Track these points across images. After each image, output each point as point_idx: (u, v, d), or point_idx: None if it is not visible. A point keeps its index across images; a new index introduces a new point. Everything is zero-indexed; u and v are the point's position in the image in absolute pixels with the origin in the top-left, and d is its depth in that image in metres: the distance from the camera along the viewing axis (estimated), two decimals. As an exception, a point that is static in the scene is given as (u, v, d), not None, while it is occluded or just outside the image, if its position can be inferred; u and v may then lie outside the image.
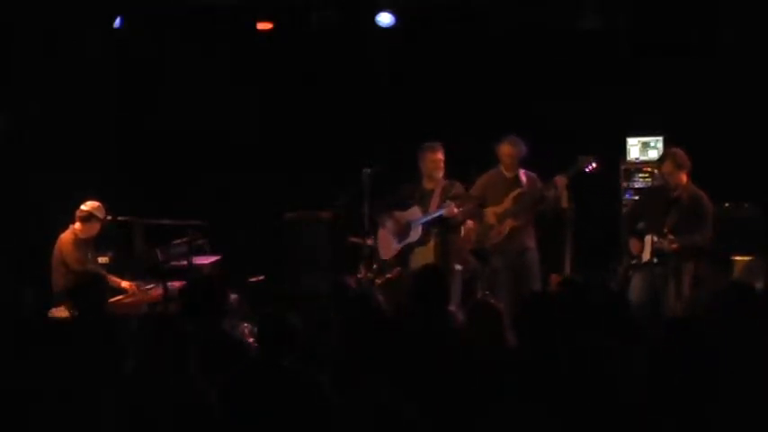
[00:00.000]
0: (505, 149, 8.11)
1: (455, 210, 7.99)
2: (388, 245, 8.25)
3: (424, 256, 8.01)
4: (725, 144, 9.09)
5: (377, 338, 4.82)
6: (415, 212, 8.14)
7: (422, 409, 4.08)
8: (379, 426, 3.92)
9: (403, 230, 8.15)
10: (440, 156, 8.10)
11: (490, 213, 8.11)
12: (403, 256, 8.15)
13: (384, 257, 8.29)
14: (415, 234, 8.10)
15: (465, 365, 4.53)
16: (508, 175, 8.16)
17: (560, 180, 7.93)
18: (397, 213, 8.19)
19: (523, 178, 8.12)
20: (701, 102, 9.24)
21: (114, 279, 7.89)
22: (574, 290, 5.25)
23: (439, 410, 4.28)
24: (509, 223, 8.04)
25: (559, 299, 5.17)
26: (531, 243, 8.15)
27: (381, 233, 8.32)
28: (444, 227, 8.13)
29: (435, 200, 8.10)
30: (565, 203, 8.20)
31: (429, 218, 8.08)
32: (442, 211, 8.00)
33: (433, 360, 4.61)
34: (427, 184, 8.20)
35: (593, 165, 7.99)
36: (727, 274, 6.75)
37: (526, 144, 8.20)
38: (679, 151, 7.79)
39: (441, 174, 8.13)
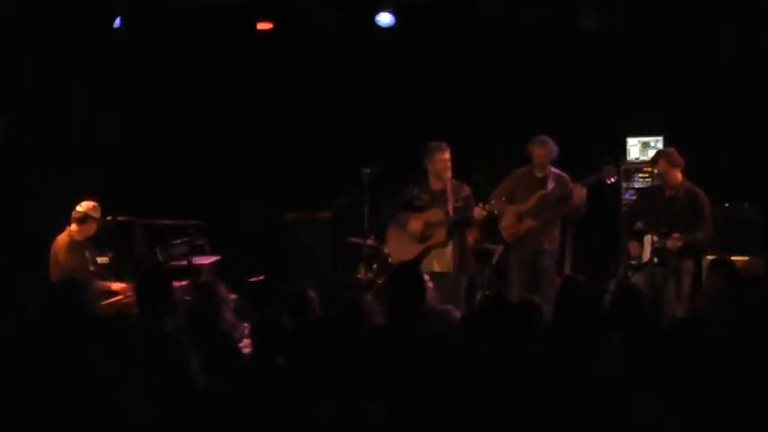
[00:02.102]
0: (535, 150, 8.09)
1: (484, 212, 7.87)
2: (403, 247, 8.02)
3: (442, 259, 7.93)
4: (725, 144, 9.09)
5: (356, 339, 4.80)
6: (436, 214, 7.97)
7: (393, 409, 4.09)
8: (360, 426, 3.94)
9: (425, 232, 7.99)
10: (448, 155, 7.98)
11: (512, 211, 8.07)
12: (420, 258, 7.91)
13: (398, 259, 7.98)
14: (440, 236, 7.93)
15: (442, 367, 4.51)
16: (538, 174, 8.13)
17: (580, 189, 7.92)
18: (417, 215, 8.01)
19: (551, 180, 8.09)
20: (701, 102, 9.24)
21: (104, 284, 7.85)
22: (575, 289, 5.24)
23: (410, 411, 4.27)
24: (527, 223, 8.01)
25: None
26: (549, 245, 8.10)
27: (394, 235, 8.12)
28: (462, 229, 8.06)
29: (450, 201, 7.96)
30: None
31: (458, 218, 7.94)
32: (475, 212, 7.86)
33: (409, 362, 4.58)
34: (435, 185, 8.04)
35: (615, 178, 8.01)
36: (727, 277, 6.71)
37: (526, 144, 8.19)
38: (672, 150, 7.84)
39: (449, 174, 7.99)
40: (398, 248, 8.07)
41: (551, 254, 8.13)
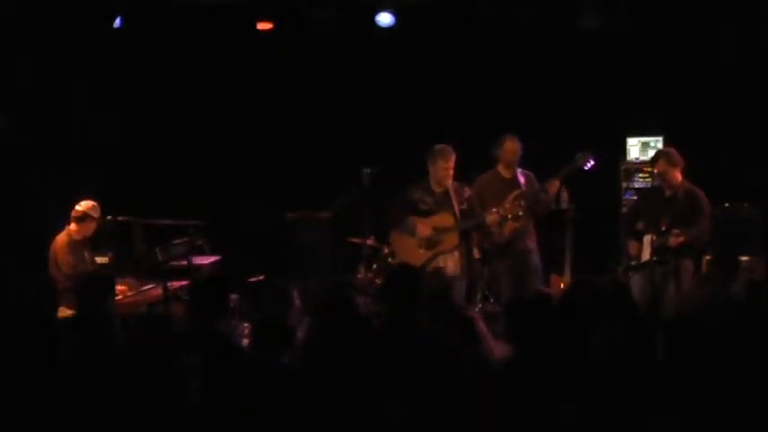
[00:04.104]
0: (511, 146, 8.02)
1: (497, 216, 7.76)
2: (411, 253, 7.77)
3: (448, 263, 7.74)
4: (725, 144, 9.10)
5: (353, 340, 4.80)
6: (445, 218, 7.81)
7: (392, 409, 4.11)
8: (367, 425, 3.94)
9: (434, 238, 7.79)
10: (451, 163, 7.77)
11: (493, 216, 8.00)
12: (427, 263, 7.75)
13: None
14: (451, 242, 7.76)
15: (434, 368, 4.52)
16: (506, 175, 8.08)
17: (553, 186, 7.89)
18: (424, 220, 7.83)
19: (521, 178, 8.05)
20: (701, 102, 9.25)
21: None
22: (586, 291, 5.25)
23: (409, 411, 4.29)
24: (510, 226, 7.96)
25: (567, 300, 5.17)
26: (532, 244, 8.07)
27: (400, 241, 7.95)
28: (469, 233, 7.93)
29: (455, 203, 7.82)
30: (565, 203, 8.16)
31: (471, 224, 7.80)
32: (487, 218, 7.76)
33: (401, 361, 4.59)
34: (437, 188, 7.88)
35: (592, 162, 7.92)
36: (731, 276, 6.68)
37: (525, 144, 8.18)
38: (671, 150, 7.84)
39: (450, 181, 7.82)
40: (406, 254, 7.84)
41: (536, 252, 8.10)
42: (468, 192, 7.92)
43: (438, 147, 7.86)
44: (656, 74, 9.51)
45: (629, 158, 9.59)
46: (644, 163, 9.42)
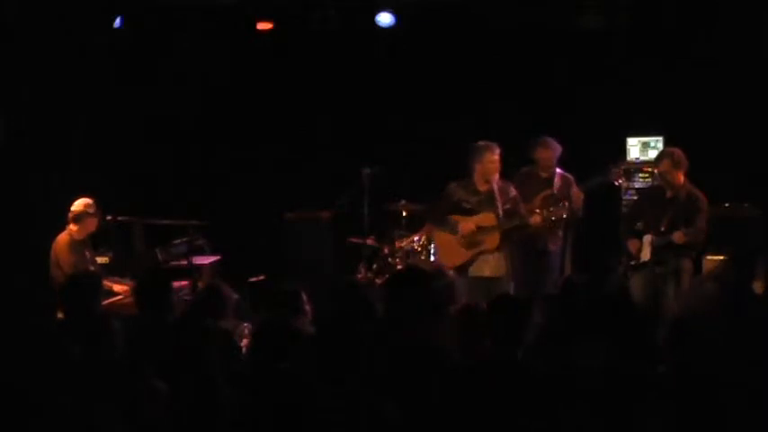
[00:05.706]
0: (541, 153, 8.05)
1: (539, 219, 7.75)
2: (453, 252, 7.74)
3: (492, 263, 7.73)
4: (725, 144, 9.10)
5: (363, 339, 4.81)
6: (488, 218, 7.73)
7: (403, 409, 4.11)
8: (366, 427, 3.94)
9: (476, 237, 7.73)
10: (497, 156, 7.72)
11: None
12: (469, 263, 7.72)
13: (447, 264, 7.42)
14: (492, 242, 7.68)
15: (445, 369, 4.53)
16: (543, 175, 8.11)
17: (578, 193, 7.91)
18: (467, 218, 7.76)
19: (558, 180, 8.07)
20: (701, 102, 9.24)
21: (106, 283, 7.85)
22: (572, 291, 5.25)
23: (418, 411, 4.28)
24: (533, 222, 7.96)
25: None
26: (553, 247, 8.07)
27: (442, 239, 7.90)
28: (511, 233, 7.86)
29: (499, 203, 7.73)
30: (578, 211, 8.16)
31: (511, 224, 7.72)
32: (531, 220, 7.73)
33: (413, 363, 4.60)
34: (482, 186, 7.78)
35: (622, 179, 8.00)
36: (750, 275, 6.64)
37: (525, 144, 8.19)
38: (677, 151, 7.82)
39: (497, 175, 7.76)
40: (447, 253, 7.81)
41: (556, 255, 8.10)
42: (513, 191, 7.83)
43: (482, 143, 7.81)
44: (656, 74, 9.50)
45: (629, 158, 9.58)
46: (644, 163, 9.41)
